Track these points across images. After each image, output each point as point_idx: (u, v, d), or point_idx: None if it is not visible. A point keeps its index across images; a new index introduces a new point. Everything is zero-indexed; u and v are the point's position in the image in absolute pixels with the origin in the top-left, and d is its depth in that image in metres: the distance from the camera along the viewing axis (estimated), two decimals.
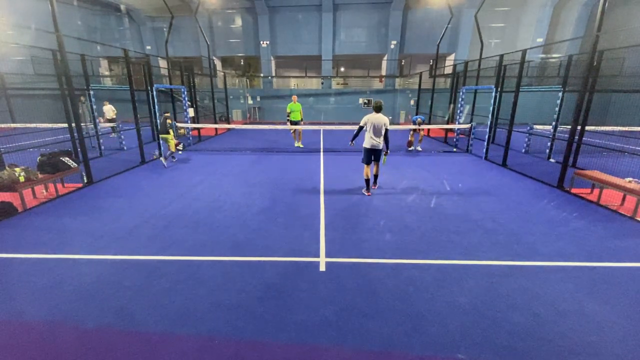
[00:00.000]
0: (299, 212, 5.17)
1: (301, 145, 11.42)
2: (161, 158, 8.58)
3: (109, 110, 13.21)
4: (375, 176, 6.30)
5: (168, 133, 8.58)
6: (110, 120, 12.97)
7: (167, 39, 14.29)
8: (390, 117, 21.61)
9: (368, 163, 6.01)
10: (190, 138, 11.80)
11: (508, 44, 20.66)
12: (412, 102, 20.43)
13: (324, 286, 3.23)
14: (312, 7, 20.65)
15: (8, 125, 12.17)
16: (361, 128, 5.89)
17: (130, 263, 3.65)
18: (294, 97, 11.14)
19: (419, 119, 10.45)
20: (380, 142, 5.84)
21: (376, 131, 5.77)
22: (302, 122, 11.35)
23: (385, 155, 6.02)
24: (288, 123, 11.22)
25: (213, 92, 14.88)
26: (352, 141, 6.05)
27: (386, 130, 5.80)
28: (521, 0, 20.03)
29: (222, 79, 17.45)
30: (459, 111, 11.23)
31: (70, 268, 3.54)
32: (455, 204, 5.56)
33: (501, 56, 8.86)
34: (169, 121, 8.65)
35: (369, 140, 5.86)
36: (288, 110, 11.04)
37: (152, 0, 19.48)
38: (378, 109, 5.79)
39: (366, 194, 6.08)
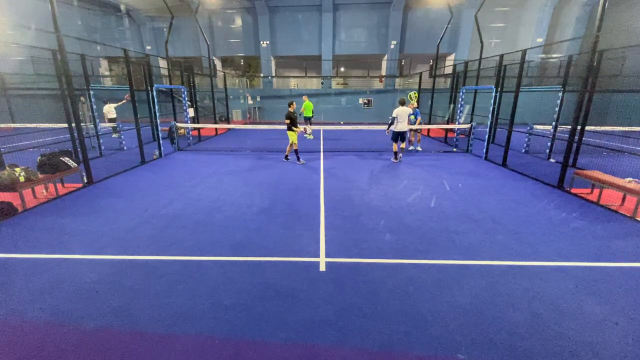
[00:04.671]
0: (299, 212, 5.17)
1: (312, 137, 13.34)
2: (298, 161, 8.68)
3: (108, 108, 13.08)
4: (403, 149, 9.25)
5: (296, 129, 8.37)
6: (110, 120, 12.91)
7: (167, 39, 14.29)
8: (391, 117, 21.57)
9: (395, 141, 8.76)
10: (190, 138, 11.81)
11: (508, 44, 20.67)
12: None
13: (324, 286, 3.23)
14: (312, 7, 20.65)
15: (8, 125, 12.18)
16: (394, 119, 8.50)
17: (130, 263, 3.65)
18: (305, 97, 13.37)
19: (411, 100, 10.70)
20: (405, 127, 8.61)
21: (402, 119, 8.46)
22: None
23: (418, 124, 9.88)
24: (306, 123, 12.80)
25: (213, 92, 14.89)
26: (388, 129, 8.74)
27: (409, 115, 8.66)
28: (521, 0, 20.03)
29: (222, 79, 17.46)
30: (459, 111, 11.24)
31: (70, 268, 3.54)
32: (455, 204, 5.56)
33: (501, 56, 8.86)
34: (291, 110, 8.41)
35: (398, 126, 8.51)
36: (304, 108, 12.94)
37: (152, 0, 19.49)
38: (402, 103, 8.49)
39: (394, 161, 8.90)
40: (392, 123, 8.55)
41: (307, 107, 13.05)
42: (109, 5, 20.77)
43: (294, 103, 8.76)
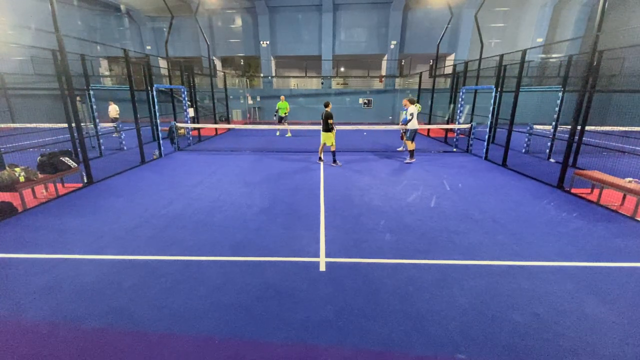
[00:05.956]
0: (299, 212, 5.17)
1: (290, 135, 14.39)
2: (334, 163, 8.34)
3: (113, 109, 13.28)
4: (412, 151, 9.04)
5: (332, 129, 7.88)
6: (113, 120, 13.02)
7: (167, 39, 14.30)
8: (391, 117, 21.64)
9: (414, 139, 8.88)
10: (190, 138, 11.81)
11: (508, 44, 20.67)
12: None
13: (324, 286, 3.23)
14: (312, 7, 20.66)
15: (8, 125, 12.18)
16: (412, 115, 8.73)
17: (130, 263, 3.65)
18: (282, 97, 14.48)
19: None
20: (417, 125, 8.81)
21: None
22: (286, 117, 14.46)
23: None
24: (276, 117, 14.34)
25: (213, 92, 14.89)
26: (405, 127, 8.98)
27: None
28: (521, 0, 20.04)
29: (222, 79, 17.46)
30: (459, 111, 11.24)
31: (70, 268, 3.54)
32: (455, 204, 5.56)
33: (501, 56, 8.86)
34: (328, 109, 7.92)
35: (416, 124, 8.69)
36: (278, 107, 14.11)
37: (152, 0, 19.49)
38: (413, 102, 8.83)
39: (412, 161, 8.85)
40: (410, 120, 8.60)
41: (282, 106, 14.03)
42: (109, 5, 20.78)
43: (330, 103, 8.41)
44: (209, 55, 17.43)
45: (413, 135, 8.79)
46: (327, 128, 7.99)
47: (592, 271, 3.50)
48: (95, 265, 3.61)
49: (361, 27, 21.24)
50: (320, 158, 8.79)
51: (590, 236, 4.35)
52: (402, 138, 11.05)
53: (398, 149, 10.80)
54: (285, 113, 14.18)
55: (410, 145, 8.84)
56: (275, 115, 14.41)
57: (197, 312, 2.84)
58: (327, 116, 7.95)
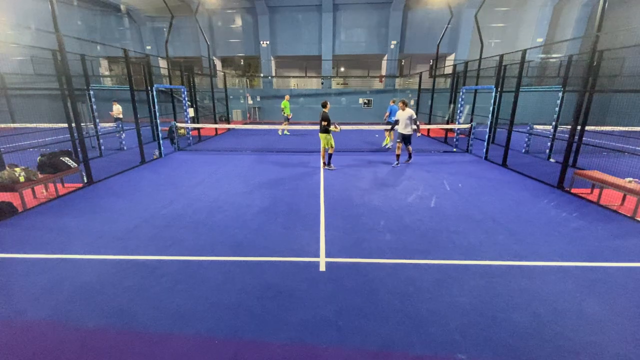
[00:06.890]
0: (299, 212, 5.17)
1: (288, 133, 14.79)
2: (328, 166, 8.02)
3: (116, 109, 13.34)
4: (410, 155, 8.89)
5: (328, 131, 7.54)
6: (116, 120, 13.05)
7: (167, 39, 14.30)
8: (393, 118, 21.64)
9: (400, 142, 8.44)
10: (190, 138, 11.81)
11: (508, 44, 20.66)
12: (412, 102, 20.43)
13: (324, 286, 3.23)
14: (312, 7, 20.65)
15: (8, 125, 12.18)
16: (397, 122, 8.40)
17: (130, 263, 3.65)
18: (287, 97, 14.33)
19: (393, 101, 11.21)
20: (406, 130, 8.24)
21: (402, 122, 8.22)
22: (289, 116, 14.51)
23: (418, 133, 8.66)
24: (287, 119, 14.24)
25: (213, 92, 14.89)
26: (392, 129, 9.23)
27: (415, 119, 8.22)
28: (521, 0, 20.03)
29: (222, 79, 17.46)
30: (459, 111, 11.24)
31: (70, 268, 3.54)
32: (455, 204, 5.55)
33: (501, 56, 8.86)
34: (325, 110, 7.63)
35: (400, 128, 8.42)
36: (283, 106, 14.05)
37: (152, 0, 19.49)
38: (404, 105, 8.34)
39: (395, 165, 8.47)
40: (394, 125, 8.56)
41: (285, 105, 13.95)
42: (109, 5, 20.76)
43: (329, 103, 7.99)
44: (209, 55, 17.44)
45: (399, 138, 8.55)
46: (325, 130, 7.71)
47: (592, 271, 3.50)
48: (95, 265, 3.61)
49: (361, 27, 21.23)
50: (324, 163, 8.23)
51: (590, 236, 4.35)
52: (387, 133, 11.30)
53: (383, 144, 10.94)
54: (288, 113, 14.20)
55: (409, 148, 8.79)
56: (283, 113, 14.42)
57: (197, 312, 2.84)
58: (324, 118, 7.63)
